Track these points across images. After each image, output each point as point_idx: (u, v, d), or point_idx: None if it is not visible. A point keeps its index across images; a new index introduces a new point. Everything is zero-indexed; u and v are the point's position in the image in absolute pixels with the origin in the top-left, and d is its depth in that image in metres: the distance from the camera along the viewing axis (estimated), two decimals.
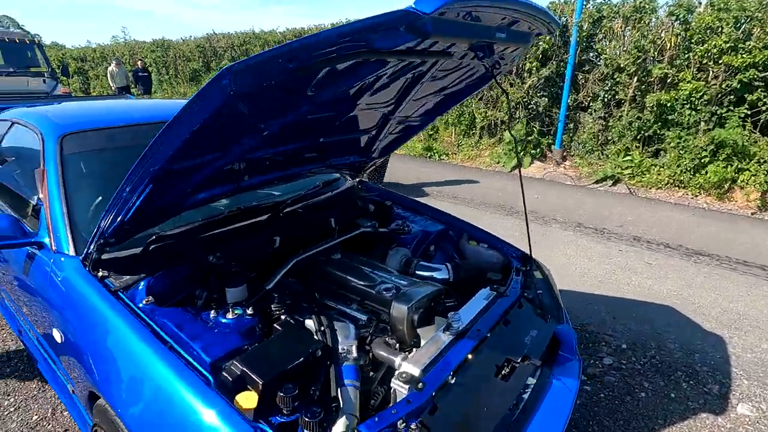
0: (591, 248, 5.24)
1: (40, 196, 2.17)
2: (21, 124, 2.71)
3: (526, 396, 1.82)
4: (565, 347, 2.02)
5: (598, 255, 5.05)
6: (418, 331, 1.84)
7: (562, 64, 8.59)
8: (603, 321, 3.71)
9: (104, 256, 1.89)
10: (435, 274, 2.32)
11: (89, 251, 1.78)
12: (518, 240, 2.69)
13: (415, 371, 1.51)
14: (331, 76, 1.44)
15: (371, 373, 1.74)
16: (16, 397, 2.79)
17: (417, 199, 3.15)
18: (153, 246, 1.95)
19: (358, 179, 3.16)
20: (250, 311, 1.75)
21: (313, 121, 1.88)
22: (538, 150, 9.13)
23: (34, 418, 2.63)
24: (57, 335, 1.89)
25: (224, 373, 1.43)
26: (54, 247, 1.97)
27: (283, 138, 1.89)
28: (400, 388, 1.48)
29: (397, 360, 1.64)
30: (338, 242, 2.40)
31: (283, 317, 1.83)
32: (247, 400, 1.36)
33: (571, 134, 8.83)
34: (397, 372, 1.55)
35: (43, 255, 2.01)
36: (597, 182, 8.02)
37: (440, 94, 2.25)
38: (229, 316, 1.72)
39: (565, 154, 8.93)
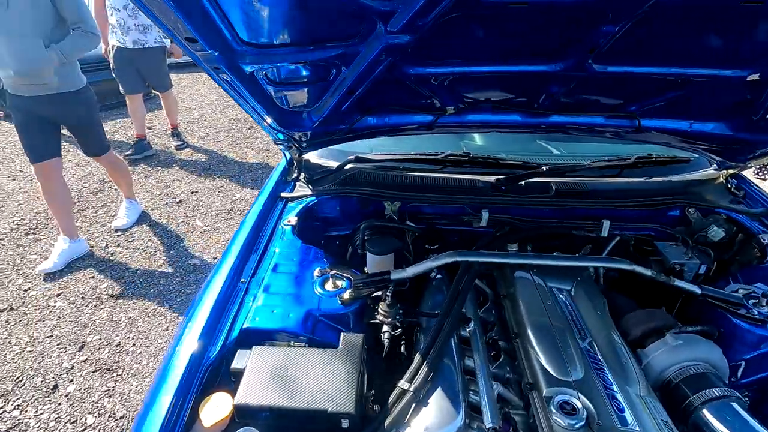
0: None
1: None
2: None
3: None
4: None
5: None
6: None
7: None
8: None
9: (313, 160, 1.80)
10: None
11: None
12: None
13: None
14: None
15: None
16: None
17: None
18: (349, 165, 1.69)
19: (729, 171, 1.64)
20: (347, 295, 1.24)
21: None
22: None
23: None
24: None
25: (237, 355, 1.07)
26: None
27: (482, 40, 1.01)
28: None
29: None
30: (571, 267, 1.34)
31: (384, 329, 1.21)
32: (217, 409, 0.97)
33: None
34: None
35: None
36: None
37: None
38: (328, 287, 1.28)
39: None
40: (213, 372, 1.06)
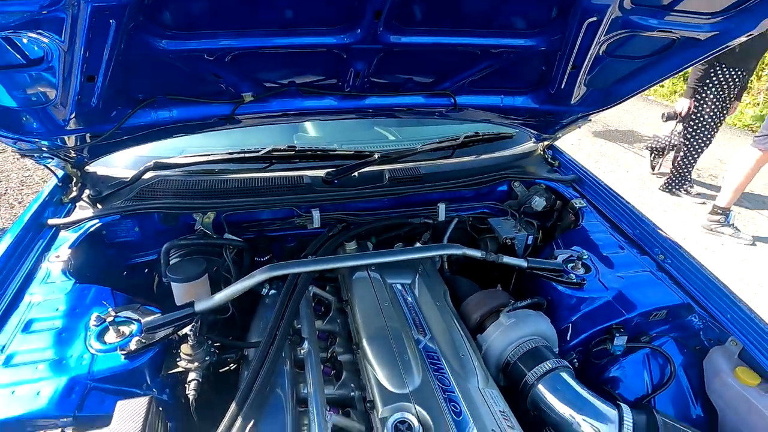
0: None
1: None
2: None
3: None
4: None
5: None
6: None
7: None
8: None
9: (100, 172, 1.43)
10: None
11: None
12: None
13: None
14: None
15: None
16: None
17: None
18: (149, 174, 1.36)
19: (545, 143, 1.74)
20: (134, 345, 0.95)
21: None
22: None
23: None
24: None
25: None
26: None
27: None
28: None
29: None
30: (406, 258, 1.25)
31: (190, 377, 0.96)
32: None
33: None
34: None
35: None
36: None
37: None
38: (109, 338, 0.97)
39: None
40: None
